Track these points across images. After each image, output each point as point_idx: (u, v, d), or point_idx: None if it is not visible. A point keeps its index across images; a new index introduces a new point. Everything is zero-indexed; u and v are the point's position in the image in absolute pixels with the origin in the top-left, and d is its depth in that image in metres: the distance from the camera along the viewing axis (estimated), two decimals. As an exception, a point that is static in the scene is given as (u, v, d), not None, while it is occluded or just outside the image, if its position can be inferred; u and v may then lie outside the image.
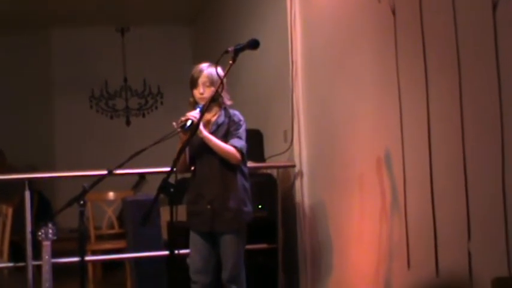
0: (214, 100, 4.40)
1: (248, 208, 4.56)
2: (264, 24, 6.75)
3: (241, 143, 4.54)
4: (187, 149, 4.48)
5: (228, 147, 4.47)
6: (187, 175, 4.78)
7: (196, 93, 4.52)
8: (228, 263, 4.53)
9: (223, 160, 4.50)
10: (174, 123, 4.29)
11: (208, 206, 4.49)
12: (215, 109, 4.60)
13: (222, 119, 4.57)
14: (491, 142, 3.23)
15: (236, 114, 4.60)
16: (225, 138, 4.53)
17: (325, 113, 5.45)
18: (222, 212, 4.49)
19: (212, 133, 4.51)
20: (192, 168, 4.59)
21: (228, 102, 4.60)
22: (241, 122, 4.58)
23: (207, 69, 4.47)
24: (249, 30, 7.16)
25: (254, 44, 4.11)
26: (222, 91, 4.46)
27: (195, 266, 4.57)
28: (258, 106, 6.13)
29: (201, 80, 4.51)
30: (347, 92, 5.01)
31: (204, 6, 9.43)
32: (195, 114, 4.30)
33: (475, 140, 3.40)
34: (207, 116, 4.57)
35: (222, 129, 4.55)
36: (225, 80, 4.53)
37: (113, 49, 10.53)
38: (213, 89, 4.43)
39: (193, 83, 4.56)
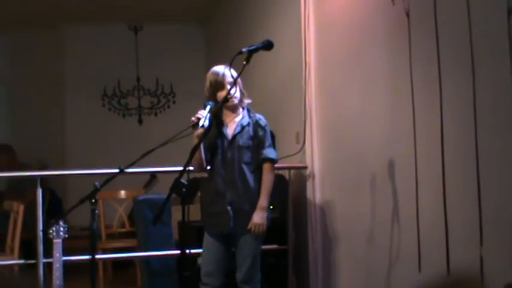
0: (226, 100, 4.39)
1: (268, 212, 4.57)
2: (277, 25, 6.74)
3: (274, 152, 4.62)
4: (202, 149, 4.49)
5: (270, 183, 4.57)
6: (198, 175, 4.78)
7: (222, 95, 4.49)
8: (244, 263, 4.53)
9: (245, 162, 4.52)
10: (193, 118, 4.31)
11: (229, 207, 4.50)
12: (239, 109, 4.61)
13: (246, 120, 4.59)
14: (504, 143, 3.22)
15: (261, 118, 4.64)
16: (252, 141, 4.55)
17: (338, 115, 5.44)
18: (243, 213, 4.50)
19: (237, 134, 4.53)
20: (209, 168, 4.59)
21: (246, 101, 4.63)
22: (267, 127, 4.62)
23: (227, 72, 4.49)
24: (262, 31, 7.15)
25: (268, 45, 4.11)
26: (235, 92, 4.48)
27: (206, 268, 4.56)
28: (270, 107, 6.12)
29: (227, 81, 4.51)
30: (360, 94, 5.00)
31: (217, 5, 9.43)
32: (204, 112, 4.31)
33: (489, 141, 3.39)
34: (230, 116, 4.59)
35: (248, 131, 4.56)
36: (239, 80, 4.55)
37: (126, 47, 10.53)
38: (238, 87, 4.49)
39: (219, 86, 4.54)
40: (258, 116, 4.65)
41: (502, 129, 3.27)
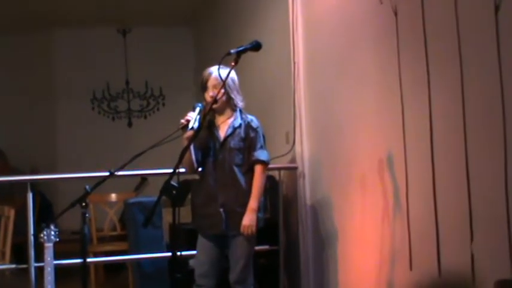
0: (216, 102, 4.38)
1: (260, 213, 4.56)
2: (266, 25, 6.75)
3: (265, 154, 4.61)
4: (193, 151, 4.49)
5: (261, 185, 4.55)
6: (189, 177, 4.77)
7: (207, 96, 4.52)
8: (237, 264, 4.54)
9: (236, 164, 4.52)
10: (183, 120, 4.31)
11: (221, 209, 4.50)
12: (229, 111, 4.61)
13: (238, 122, 4.58)
14: (493, 142, 3.23)
15: (253, 119, 4.63)
16: (243, 143, 4.55)
17: (327, 114, 5.45)
18: (235, 215, 4.50)
19: (228, 136, 4.53)
20: (200, 169, 4.59)
21: (240, 104, 4.61)
22: (259, 129, 4.61)
23: (216, 72, 4.45)
24: (251, 32, 7.15)
25: (256, 46, 4.11)
26: (224, 94, 4.47)
27: (201, 269, 4.57)
28: (259, 107, 6.11)
29: (210, 83, 4.52)
30: (349, 93, 5.00)
31: (205, 7, 9.43)
32: (194, 114, 4.31)
33: (478, 141, 3.40)
34: (222, 118, 4.59)
35: (239, 133, 4.56)
36: (237, 82, 4.55)
37: (114, 50, 10.52)
38: (223, 90, 4.43)
39: (203, 86, 4.56)
40: (250, 117, 4.64)
41: (491, 126, 3.28)
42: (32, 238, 5.34)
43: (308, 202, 5.78)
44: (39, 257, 4.90)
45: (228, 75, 4.21)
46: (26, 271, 5.42)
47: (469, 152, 3.45)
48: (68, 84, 10.45)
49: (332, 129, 5.35)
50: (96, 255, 7.09)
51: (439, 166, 3.76)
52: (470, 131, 3.44)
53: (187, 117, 4.29)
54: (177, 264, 3.91)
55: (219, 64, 4.23)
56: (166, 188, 3.64)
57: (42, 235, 4.50)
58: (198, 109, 4.34)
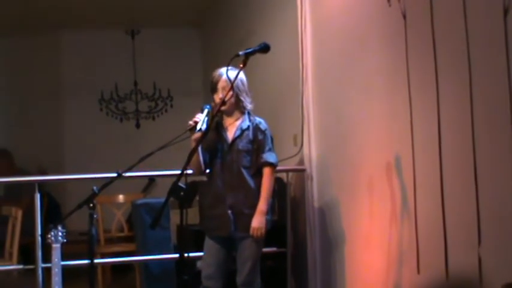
0: (224, 104, 4.38)
1: (268, 215, 4.56)
2: (274, 28, 6.74)
3: (274, 157, 4.60)
4: (200, 152, 4.49)
5: (270, 187, 4.54)
6: (197, 178, 4.77)
7: (216, 97, 4.51)
8: (244, 267, 4.53)
9: (244, 166, 4.51)
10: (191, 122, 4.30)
11: (229, 211, 4.49)
12: (237, 113, 4.60)
13: (246, 124, 4.58)
14: (501, 146, 3.22)
15: (262, 122, 4.62)
16: (251, 145, 4.54)
17: (335, 117, 5.44)
18: (243, 217, 4.49)
19: (236, 137, 4.52)
20: (208, 171, 4.59)
21: (249, 106, 4.61)
22: (267, 131, 4.60)
23: (226, 74, 4.43)
24: (259, 34, 7.15)
25: (265, 48, 4.10)
26: (232, 96, 4.46)
27: (207, 271, 4.56)
28: (268, 110, 6.11)
29: (220, 85, 4.51)
30: (357, 96, 5.00)
31: (214, 9, 9.43)
32: (202, 116, 4.31)
33: (486, 144, 3.39)
34: (230, 120, 4.58)
35: (248, 135, 4.55)
36: (246, 84, 4.55)
37: (123, 52, 10.54)
38: (231, 92, 4.42)
39: (213, 88, 4.55)
40: (259, 120, 4.63)
41: (499, 130, 3.27)
42: (39, 239, 5.34)
43: (316, 204, 5.77)
44: (47, 257, 4.90)
45: (236, 77, 4.20)
46: (33, 272, 5.42)
47: (477, 155, 3.44)
48: (76, 85, 10.46)
49: (340, 131, 5.35)
50: (103, 256, 7.10)
51: (447, 169, 3.76)
52: (479, 135, 3.43)
53: (195, 119, 4.29)
54: (185, 266, 3.90)
55: (227, 66, 4.22)
56: (174, 190, 3.64)
57: (49, 236, 4.50)
58: (206, 111, 4.33)
